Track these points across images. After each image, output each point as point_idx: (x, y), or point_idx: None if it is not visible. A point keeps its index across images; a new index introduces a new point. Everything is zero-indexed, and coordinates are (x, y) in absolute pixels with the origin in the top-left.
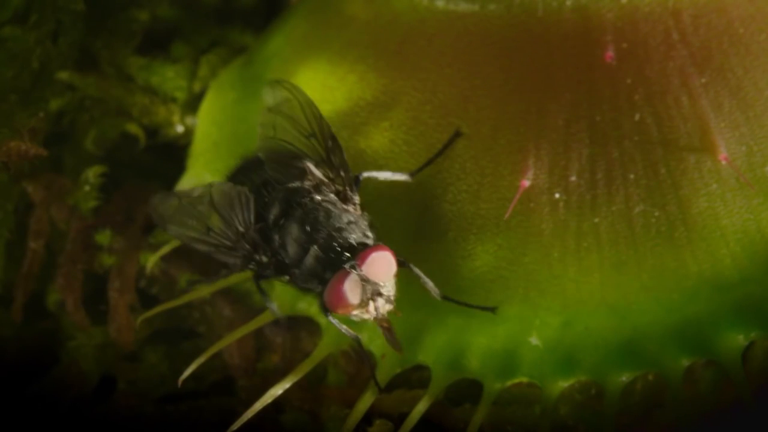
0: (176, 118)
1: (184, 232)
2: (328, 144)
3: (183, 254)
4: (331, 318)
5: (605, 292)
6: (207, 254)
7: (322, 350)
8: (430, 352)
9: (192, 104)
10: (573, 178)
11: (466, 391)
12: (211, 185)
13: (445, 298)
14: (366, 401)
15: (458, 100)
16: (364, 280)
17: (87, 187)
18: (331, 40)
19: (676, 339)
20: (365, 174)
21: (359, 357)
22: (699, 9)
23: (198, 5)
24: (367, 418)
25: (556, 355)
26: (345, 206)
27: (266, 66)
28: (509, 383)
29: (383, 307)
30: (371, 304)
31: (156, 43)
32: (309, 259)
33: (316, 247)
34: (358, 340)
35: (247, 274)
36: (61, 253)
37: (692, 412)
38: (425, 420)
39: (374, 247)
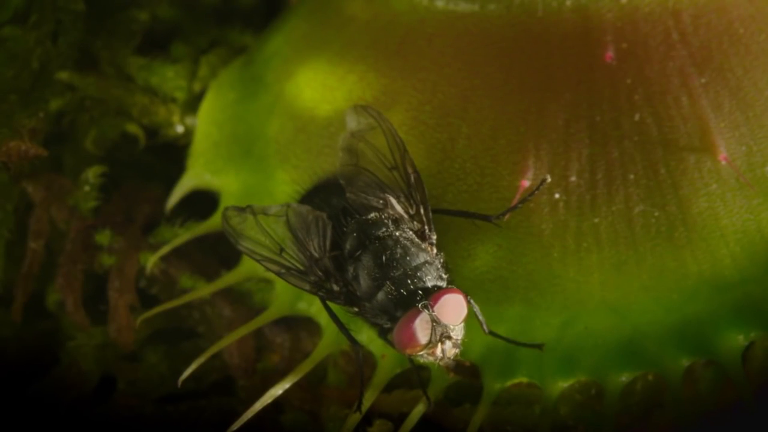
0: (176, 118)
1: (255, 249)
2: (411, 179)
3: (183, 254)
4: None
5: (605, 292)
6: (277, 275)
7: (322, 350)
8: None
9: (192, 104)
10: (573, 178)
11: (466, 391)
12: (288, 205)
13: (491, 333)
14: (366, 401)
15: (458, 100)
16: (435, 322)
17: (87, 187)
18: (331, 40)
19: (676, 339)
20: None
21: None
22: (699, 9)
23: (198, 5)
24: (367, 418)
25: (556, 355)
26: (422, 244)
27: (266, 66)
28: (509, 383)
29: (450, 351)
30: (439, 346)
31: (156, 43)
32: (381, 295)
33: (389, 283)
34: (417, 371)
35: (247, 273)
36: (61, 253)
37: (692, 412)
38: (425, 420)
39: (447, 290)
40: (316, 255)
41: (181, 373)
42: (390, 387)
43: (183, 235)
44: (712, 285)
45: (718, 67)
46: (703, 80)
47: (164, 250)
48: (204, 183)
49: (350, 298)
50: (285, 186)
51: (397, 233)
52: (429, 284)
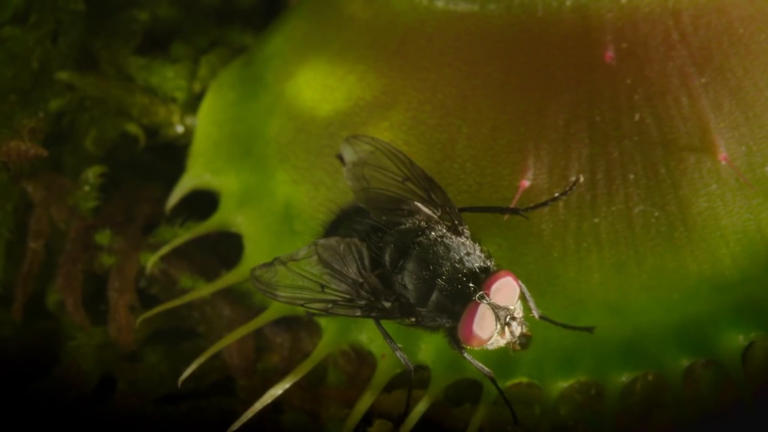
0: (176, 118)
1: (296, 294)
2: (425, 185)
3: (183, 254)
4: (465, 354)
5: (605, 292)
6: (324, 312)
7: (322, 350)
8: (430, 352)
9: (192, 104)
10: (573, 178)
11: (466, 391)
12: (315, 243)
13: (542, 318)
14: (366, 401)
15: (458, 100)
16: (496, 307)
17: (87, 187)
18: (331, 40)
19: (676, 339)
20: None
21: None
22: (699, 9)
23: (198, 5)
24: (367, 418)
25: (556, 355)
26: (459, 239)
27: (266, 66)
28: (509, 383)
29: (517, 330)
30: (506, 329)
31: (156, 43)
32: (435, 295)
33: (440, 280)
34: (492, 378)
35: (247, 273)
36: (61, 253)
37: (692, 412)
38: (425, 420)
39: (496, 274)
40: (359, 279)
41: (181, 373)
42: (390, 387)
43: (183, 235)
44: (712, 285)
45: (718, 67)
46: (703, 80)
47: (164, 250)
48: (204, 183)
49: (404, 310)
50: (285, 186)
51: (433, 233)
52: (478, 271)
